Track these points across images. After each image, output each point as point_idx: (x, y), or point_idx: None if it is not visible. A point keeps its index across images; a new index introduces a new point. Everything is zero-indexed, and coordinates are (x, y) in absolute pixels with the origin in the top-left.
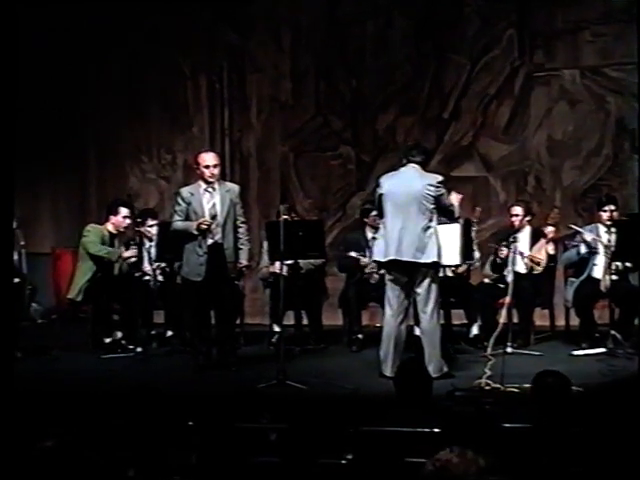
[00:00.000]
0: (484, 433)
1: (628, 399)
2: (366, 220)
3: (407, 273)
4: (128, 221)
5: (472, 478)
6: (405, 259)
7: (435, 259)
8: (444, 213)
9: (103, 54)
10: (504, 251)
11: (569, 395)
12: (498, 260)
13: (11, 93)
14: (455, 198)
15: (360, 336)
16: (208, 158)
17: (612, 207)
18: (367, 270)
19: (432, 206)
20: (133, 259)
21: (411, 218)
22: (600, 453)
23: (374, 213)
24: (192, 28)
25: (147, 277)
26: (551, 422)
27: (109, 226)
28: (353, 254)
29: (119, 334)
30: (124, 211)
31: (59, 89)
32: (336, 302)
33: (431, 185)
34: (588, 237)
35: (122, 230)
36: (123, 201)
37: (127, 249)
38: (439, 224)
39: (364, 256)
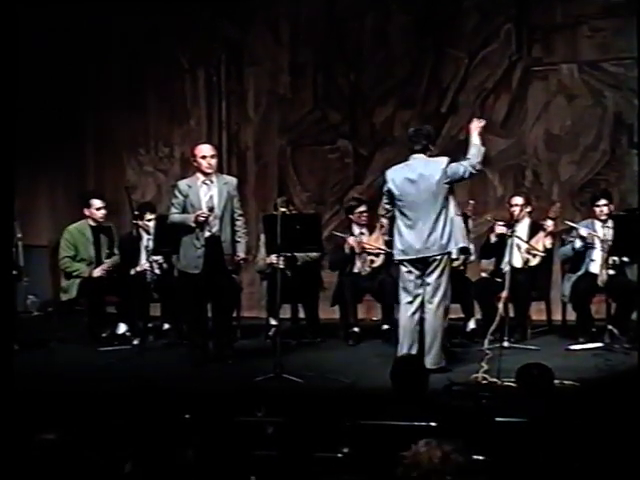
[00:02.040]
0: (481, 427)
1: (625, 394)
2: (351, 217)
3: (423, 262)
4: (103, 211)
5: (438, 467)
6: (433, 255)
7: (461, 244)
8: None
9: (102, 48)
10: (502, 227)
11: (552, 386)
12: (493, 238)
13: (12, 88)
14: (475, 127)
15: (356, 329)
16: (205, 149)
17: (605, 202)
18: (357, 250)
19: (445, 193)
20: (105, 272)
21: (430, 213)
22: (597, 448)
23: (361, 209)
24: (191, 21)
25: (144, 269)
26: (540, 414)
27: (90, 221)
28: (338, 234)
29: (123, 327)
30: (97, 203)
31: (58, 82)
32: (331, 296)
33: (440, 173)
34: (584, 232)
35: (100, 220)
36: (93, 193)
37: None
38: None
39: (349, 235)
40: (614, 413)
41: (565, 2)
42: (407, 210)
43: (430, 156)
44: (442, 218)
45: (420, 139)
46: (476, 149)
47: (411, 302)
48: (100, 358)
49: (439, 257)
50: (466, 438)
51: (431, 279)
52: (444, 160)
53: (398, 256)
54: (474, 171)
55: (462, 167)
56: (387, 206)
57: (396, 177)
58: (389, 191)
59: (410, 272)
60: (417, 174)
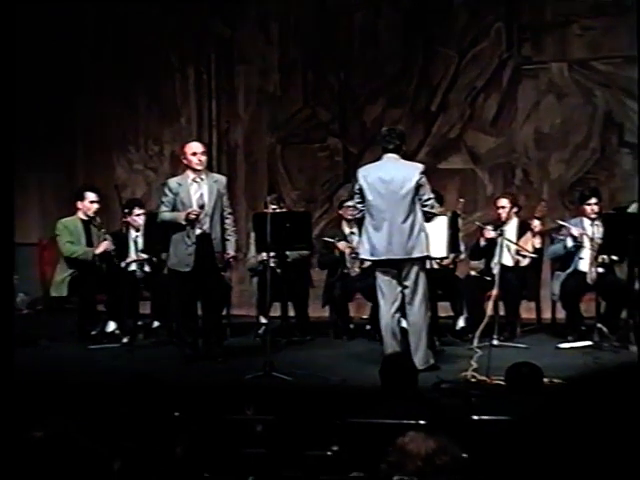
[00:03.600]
0: (469, 425)
1: (613, 391)
2: (341, 212)
3: (396, 266)
4: (96, 205)
5: (423, 458)
6: (397, 257)
7: (424, 254)
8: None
9: (92, 46)
10: (490, 232)
11: (542, 385)
12: (482, 242)
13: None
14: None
15: (351, 326)
16: (195, 146)
17: (595, 200)
18: (347, 256)
19: (414, 197)
20: (108, 250)
21: (397, 215)
22: (585, 446)
23: (349, 203)
24: (181, 20)
25: (133, 267)
26: (529, 413)
27: (80, 214)
28: (327, 239)
29: (112, 325)
30: (91, 196)
31: (47, 81)
32: (321, 295)
33: (414, 177)
34: (575, 232)
35: (92, 215)
36: (88, 186)
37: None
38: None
39: (340, 240)
40: (603, 410)
41: (555, 1)
42: (374, 210)
43: (403, 157)
44: (409, 223)
45: (393, 139)
46: (436, 210)
47: (389, 303)
48: (89, 356)
49: (412, 261)
50: (454, 436)
51: (408, 282)
52: (420, 166)
53: (364, 255)
54: (428, 207)
55: (429, 193)
56: (359, 205)
57: (368, 176)
58: (360, 189)
59: (385, 272)
60: (390, 175)
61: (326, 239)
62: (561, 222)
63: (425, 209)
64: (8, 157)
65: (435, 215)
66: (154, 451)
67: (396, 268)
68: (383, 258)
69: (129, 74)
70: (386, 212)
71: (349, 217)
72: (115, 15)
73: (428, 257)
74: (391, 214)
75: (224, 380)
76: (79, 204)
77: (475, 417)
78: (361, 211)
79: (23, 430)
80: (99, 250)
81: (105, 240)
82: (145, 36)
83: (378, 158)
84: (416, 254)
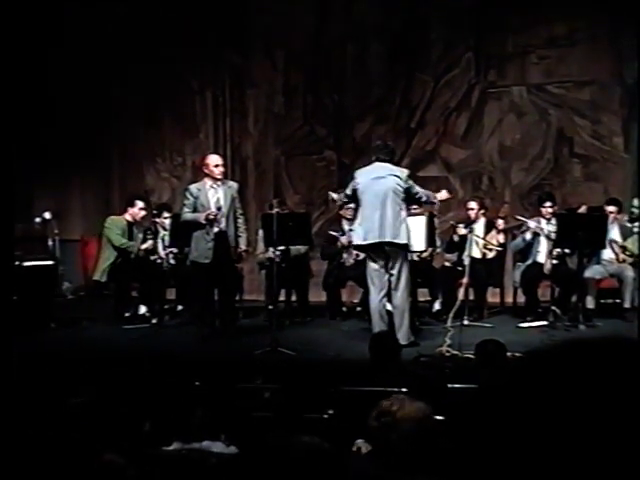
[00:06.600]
0: (443, 392)
1: (567, 364)
2: (341, 212)
3: (384, 254)
4: (143, 212)
5: (407, 421)
6: (386, 240)
7: (406, 241)
8: (413, 201)
9: (126, 73)
10: (462, 230)
11: (505, 358)
12: (455, 238)
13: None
14: (444, 195)
15: (344, 309)
16: (216, 159)
17: (550, 203)
18: (348, 247)
19: (403, 196)
20: (149, 249)
21: (387, 208)
22: (541, 409)
23: (350, 205)
24: (200, 50)
25: (161, 260)
26: (494, 382)
27: (127, 216)
28: (333, 233)
29: (143, 308)
30: (140, 204)
31: (89, 104)
32: (320, 282)
33: (401, 179)
34: (532, 225)
35: (138, 220)
36: (139, 195)
37: (144, 240)
38: (408, 216)
39: (342, 235)
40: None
41: (516, 34)
42: (368, 203)
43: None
44: (395, 214)
45: (387, 153)
46: (433, 197)
47: (378, 290)
48: (124, 334)
49: (397, 252)
50: (431, 401)
51: (394, 271)
52: (406, 171)
53: (357, 241)
54: (423, 199)
55: (418, 188)
56: (345, 199)
57: (363, 176)
58: (354, 187)
59: (375, 262)
60: (382, 174)
61: (332, 232)
62: (520, 217)
63: (421, 201)
64: (8, 159)
65: (432, 203)
66: (178, 414)
67: (384, 258)
68: (374, 242)
69: (156, 97)
70: (376, 206)
71: (349, 216)
72: (141, 49)
73: (409, 250)
74: (380, 208)
75: (237, 354)
76: (129, 209)
77: (449, 385)
78: (347, 202)
79: (64, 397)
80: (144, 246)
81: (151, 240)
82: (169, 65)
83: (369, 164)
84: (400, 240)
